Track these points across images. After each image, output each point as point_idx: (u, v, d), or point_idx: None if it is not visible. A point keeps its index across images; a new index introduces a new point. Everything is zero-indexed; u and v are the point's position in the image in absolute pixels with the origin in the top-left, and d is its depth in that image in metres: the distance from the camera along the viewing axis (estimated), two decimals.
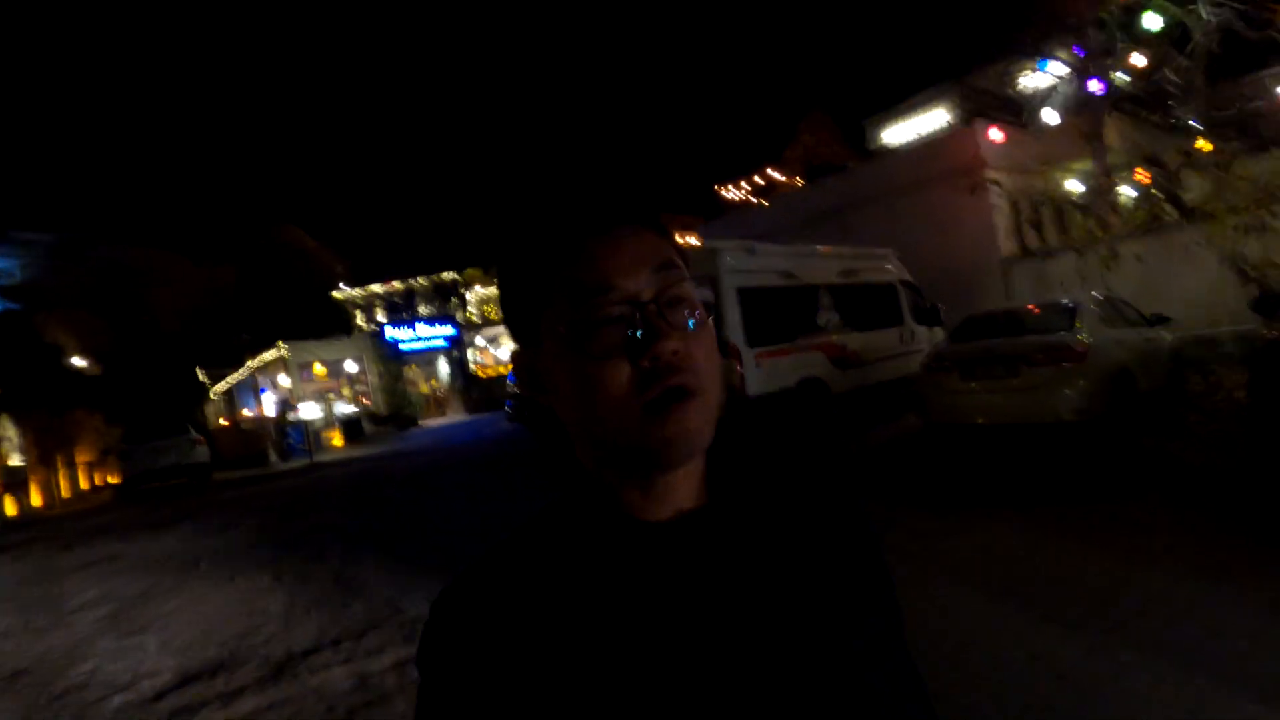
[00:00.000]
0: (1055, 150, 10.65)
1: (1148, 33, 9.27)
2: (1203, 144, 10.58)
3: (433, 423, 21.33)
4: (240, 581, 5.66)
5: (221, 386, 25.52)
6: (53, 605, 5.89)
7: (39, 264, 47.77)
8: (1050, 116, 10.13)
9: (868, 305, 9.05)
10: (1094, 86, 9.86)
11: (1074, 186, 10.92)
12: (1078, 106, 10.22)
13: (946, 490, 5.57)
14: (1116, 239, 9.17)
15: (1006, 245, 11.22)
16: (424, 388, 27.44)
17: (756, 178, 46.94)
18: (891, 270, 9.74)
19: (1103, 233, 9.59)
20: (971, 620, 3.09)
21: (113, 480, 15.76)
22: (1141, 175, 10.06)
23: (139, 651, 4.32)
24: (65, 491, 16.19)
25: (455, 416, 21.76)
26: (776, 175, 46.68)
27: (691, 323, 0.53)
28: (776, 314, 7.60)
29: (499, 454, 11.09)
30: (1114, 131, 11.18)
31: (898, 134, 18.64)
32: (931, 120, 17.21)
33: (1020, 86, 11.44)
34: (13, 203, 52.77)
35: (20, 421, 16.95)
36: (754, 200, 41.65)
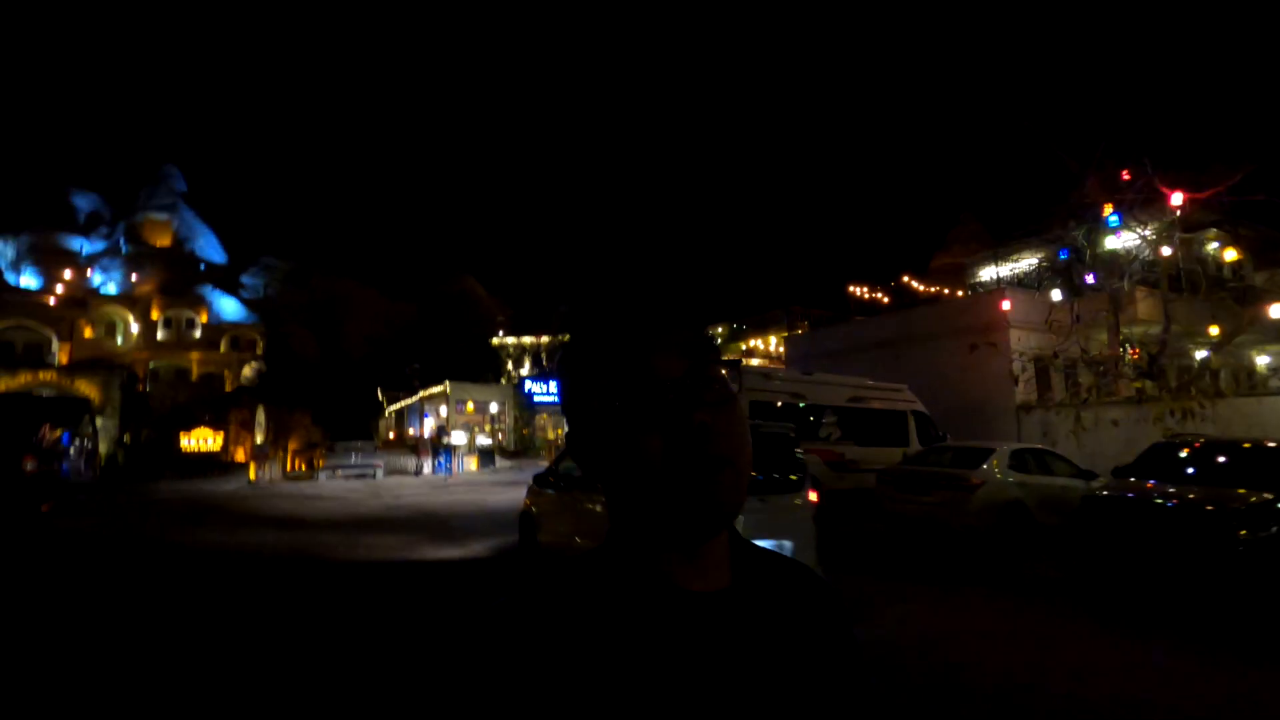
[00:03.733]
0: (1082, 315, 12.82)
1: (1111, 252, 11.61)
2: (1215, 329, 12.36)
3: (548, 463, 25.81)
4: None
5: (395, 407, 32.02)
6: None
7: (276, 285, 60.52)
8: (1055, 295, 12.46)
9: (872, 426, 11.90)
10: (1089, 279, 12.23)
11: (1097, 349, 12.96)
12: (1083, 286, 12.51)
13: (877, 563, 8.49)
14: (1088, 404, 11.27)
15: (1027, 393, 13.44)
16: (552, 434, 32.39)
17: (893, 283, 48.43)
18: (904, 401, 12.53)
19: (1089, 396, 11.69)
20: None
21: (319, 464, 21.66)
22: (1131, 352, 12.01)
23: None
24: (281, 469, 22.40)
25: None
26: (915, 284, 47.98)
27: (721, 399, 0.60)
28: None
29: None
30: (1149, 306, 13.14)
31: (991, 273, 20.96)
32: (1020, 267, 19.49)
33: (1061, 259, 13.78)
34: (261, 235, 67.74)
35: (267, 412, 23.69)
36: (885, 301, 43.33)
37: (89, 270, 51.59)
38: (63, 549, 9.13)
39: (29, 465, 9.61)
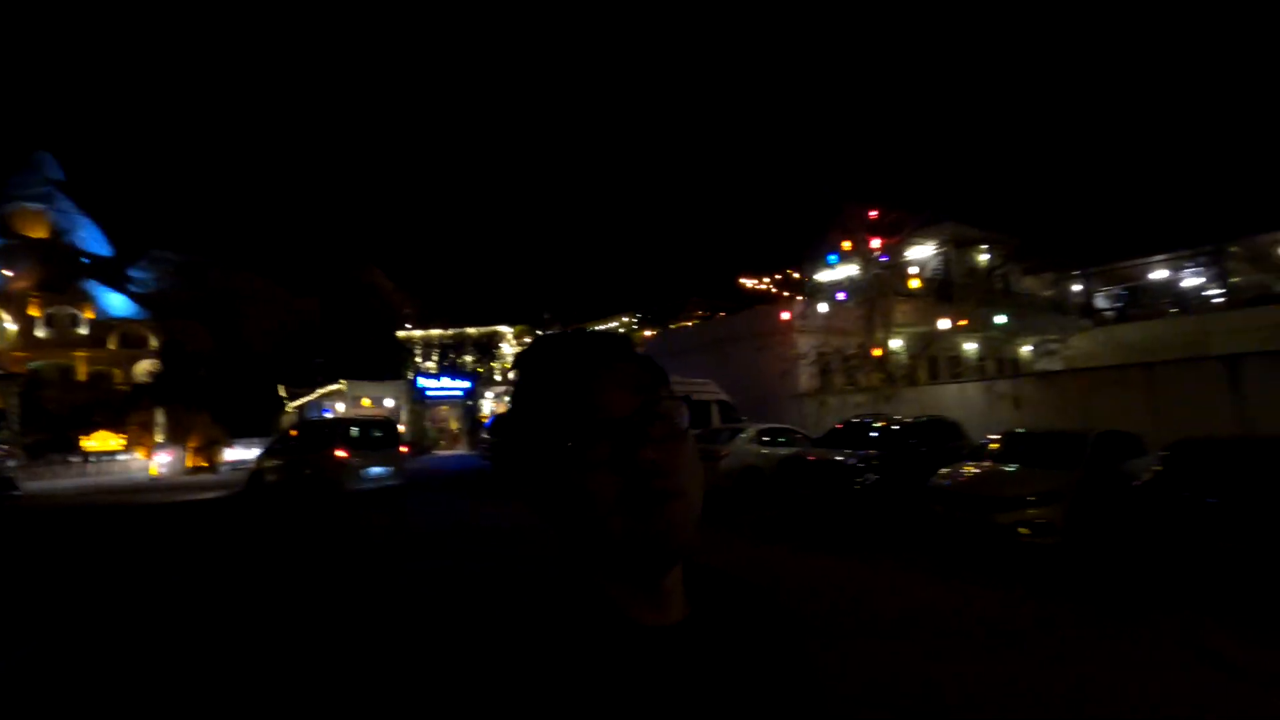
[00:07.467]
0: (849, 322, 16.78)
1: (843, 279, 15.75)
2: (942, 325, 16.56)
3: (443, 453, 28.54)
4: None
5: (297, 403, 33.63)
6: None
7: (168, 279, 59.38)
8: (822, 306, 16.41)
9: None
10: (841, 295, 16.24)
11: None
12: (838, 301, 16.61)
13: None
14: (838, 392, 15.22)
15: (810, 383, 17.33)
16: (454, 425, 34.91)
17: (778, 275, 52.78)
18: (709, 393, 16.06)
19: (841, 385, 15.63)
20: None
21: (218, 461, 23.57)
22: (876, 351, 16.04)
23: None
24: (182, 465, 24.12)
25: (462, 450, 28.87)
26: (795, 274, 52.44)
27: (670, 434, 0.63)
28: None
29: (464, 472, 17.95)
30: (904, 312, 17.23)
31: (825, 275, 25.08)
32: (844, 272, 23.65)
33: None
34: (151, 227, 65.95)
35: (166, 412, 25.18)
36: (775, 292, 47.57)
37: None
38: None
39: None
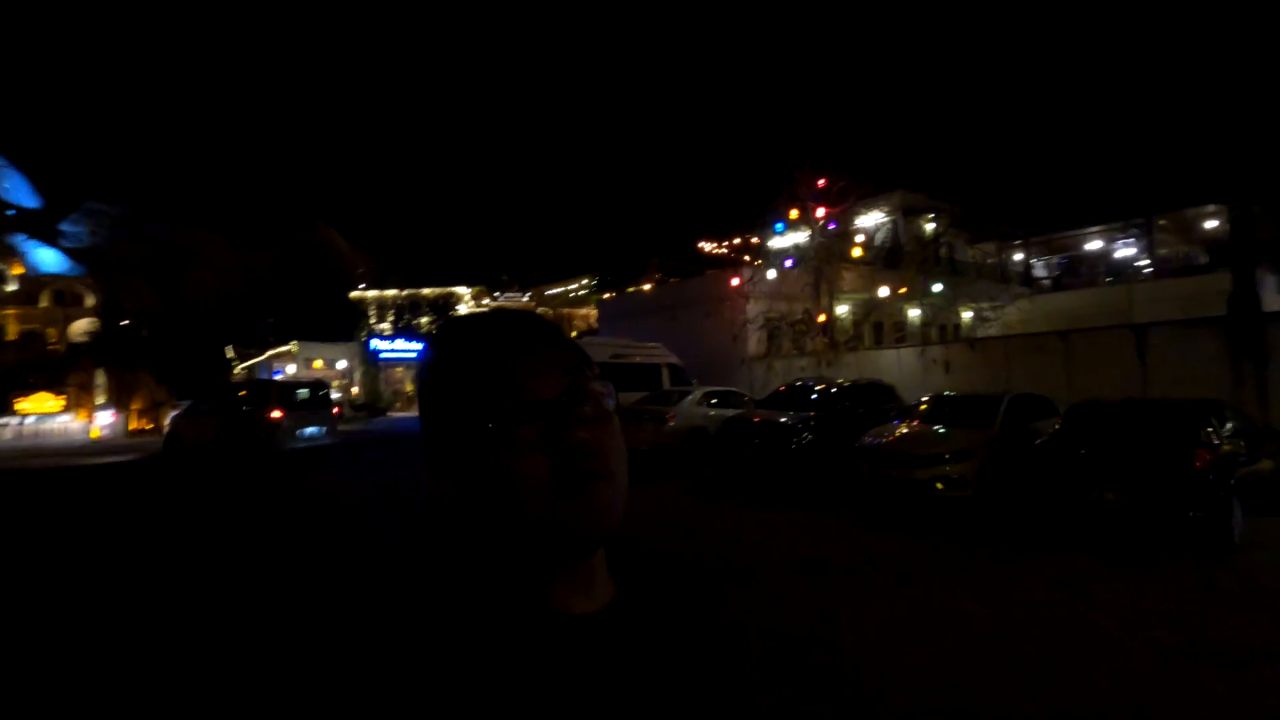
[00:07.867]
0: (796, 288, 17.28)
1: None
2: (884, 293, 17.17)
3: (398, 415, 28.46)
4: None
5: (246, 364, 33.00)
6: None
7: (104, 233, 56.46)
8: (770, 272, 16.87)
9: (632, 376, 15.70)
10: (789, 262, 16.69)
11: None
12: (796, 265, 17.07)
13: None
14: (782, 356, 15.80)
15: (759, 348, 17.88)
16: (407, 387, 34.70)
17: (737, 240, 53.13)
18: (659, 356, 16.43)
19: (786, 350, 16.22)
20: None
21: (163, 423, 23.09)
22: (822, 316, 16.65)
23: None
24: (125, 428, 23.55)
25: (417, 412, 28.87)
26: (752, 239, 52.86)
27: (598, 416, 0.62)
28: None
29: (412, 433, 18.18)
30: (850, 279, 17.80)
31: (777, 242, 25.50)
32: (793, 239, 24.06)
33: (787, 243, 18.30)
34: (87, 177, 62.27)
35: (106, 373, 24.43)
36: (734, 257, 47.95)
37: None
38: None
39: None
